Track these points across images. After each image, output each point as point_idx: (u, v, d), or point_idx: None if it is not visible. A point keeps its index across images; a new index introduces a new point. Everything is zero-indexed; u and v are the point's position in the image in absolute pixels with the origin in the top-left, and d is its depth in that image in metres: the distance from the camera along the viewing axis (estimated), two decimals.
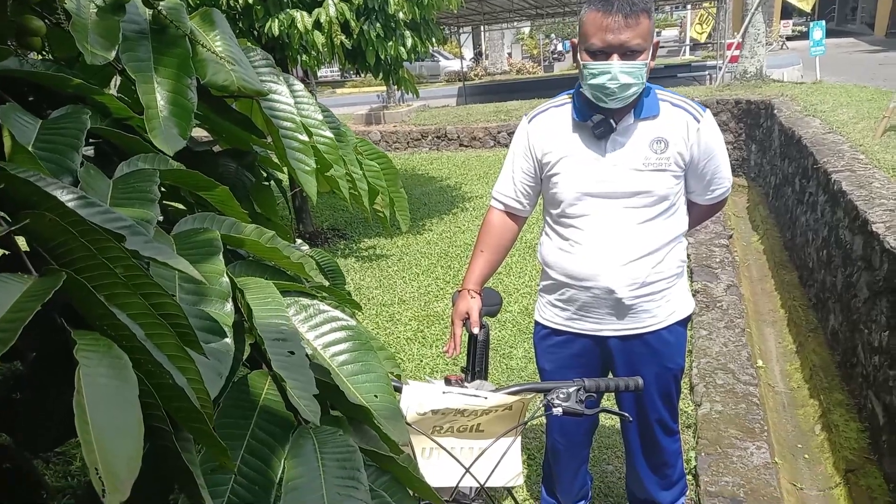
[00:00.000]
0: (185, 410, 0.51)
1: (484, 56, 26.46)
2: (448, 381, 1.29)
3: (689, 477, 2.33)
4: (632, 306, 1.70)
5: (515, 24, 20.63)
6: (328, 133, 1.29)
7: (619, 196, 1.65)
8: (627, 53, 1.53)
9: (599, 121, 1.62)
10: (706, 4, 23.00)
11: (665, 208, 1.68)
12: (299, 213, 6.00)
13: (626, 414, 1.35)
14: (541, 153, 1.73)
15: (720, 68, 12.34)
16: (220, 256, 0.77)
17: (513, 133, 8.93)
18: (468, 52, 28.32)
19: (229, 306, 0.71)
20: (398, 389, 1.20)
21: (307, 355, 0.80)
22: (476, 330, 1.75)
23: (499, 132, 10.36)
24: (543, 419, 2.15)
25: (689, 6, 23.43)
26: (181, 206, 1.12)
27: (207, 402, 0.56)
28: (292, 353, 0.75)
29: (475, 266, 1.83)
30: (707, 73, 15.36)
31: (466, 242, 5.58)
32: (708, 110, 1.70)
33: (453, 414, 1.18)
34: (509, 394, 1.22)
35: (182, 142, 0.98)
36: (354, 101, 16.57)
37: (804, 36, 25.82)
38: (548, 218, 1.80)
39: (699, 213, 1.87)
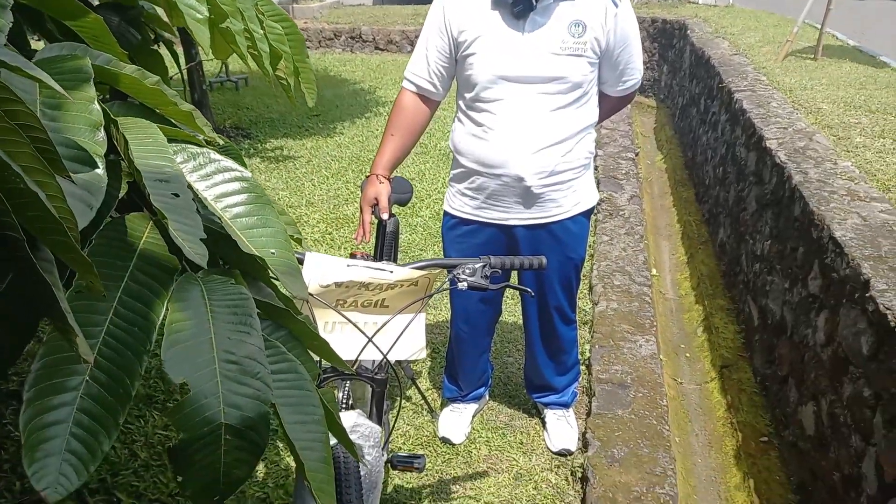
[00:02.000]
0: (41, 221, 0.45)
1: None
2: (353, 257, 1.25)
3: (582, 367, 2.48)
4: (539, 195, 1.72)
5: None
6: None
7: (535, 81, 1.62)
8: None
9: None
10: None
11: (578, 96, 1.67)
12: (199, 108, 5.60)
13: (528, 289, 1.38)
14: (457, 31, 1.66)
15: None
16: (91, 83, 0.68)
17: None
18: None
19: (101, 135, 0.63)
20: (300, 261, 1.16)
21: (195, 202, 0.73)
22: (385, 216, 1.71)
23: (416, 36, 10.00)
24: (446, 305, 2.17)
25: None
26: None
27: (71, 222, 0.50)
28: (176, 195, 0.68)
29: (385, 150, 1.77)
30: None
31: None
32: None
33: (357, 287, 1.16)
34: (415, 269, 1.20)
35: None
36: None
37: None
38: (461, 102, 1.76)
39: (609, 106, 1.88)
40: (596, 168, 4.55)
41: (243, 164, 1.66)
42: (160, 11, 1.48)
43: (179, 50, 5.34)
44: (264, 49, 1.25)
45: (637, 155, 6.42)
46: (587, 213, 1.84)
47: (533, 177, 1.68)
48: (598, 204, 4.07)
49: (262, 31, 1.25)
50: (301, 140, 5.68)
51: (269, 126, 6.11)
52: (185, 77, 5.58)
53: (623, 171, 4.39)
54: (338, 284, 1.14)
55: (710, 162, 5.07)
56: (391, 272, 1.16)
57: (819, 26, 5.71)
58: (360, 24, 10.41)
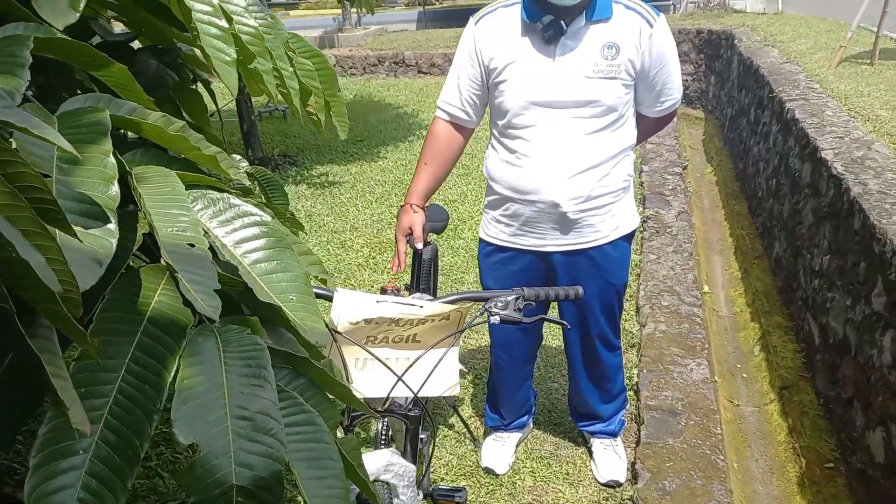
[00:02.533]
0: (35, 289, 0.44)
1: None
2: (384, 291, 1.24)
3: (630, 393, 2.39)
4: (576, 220, 1.68)
5: None
6: (252, 21, 1.18)
7: (568, 105, 1.59)
8: None
9: (549, 22, 1.54)
10: None
11: (613, 119, 1.63)
12: (248, 138, 5.76)
13: (565, 322, 1.34)
14: (487, 58, 1.65)
15: None
16: (108, 137, 0.68)
17: None
18: None
19: (114, 189, 0.63)
20: (328, 298, 1.15)
21: (212, 250, 0.73)
22: (420, 245, 1.70)
23: None
24: (486, 331, 2.12)
25: None
26: None
27: (73, 285, 0.49)
28: (191, 245, 0.68)
29: (419, 179, 1.76)
30: (671, 2, 15.14)
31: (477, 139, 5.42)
32: (662, 15, 1.63)
33: (388, 323, 1.14)
34: (447, 303, 1.18)
35: (73, 14, 0.87)
36: (309, 24, 15.84)
37: None
38: (494, 130, 1.74)
39: (647, 127, 1.83)
40: (641, 184, 4.45)
41: (283, 196, 1.67)
42: (198, 52, 1.51)
43: (221, 86, 5.47)
44: (293, 86, 1.26)
45: (685, 168, 6.27)
46: (628, 237, 1.79)
47: (569, 202, 1.64)
48: (644, 221, 3.98)
49: (291, 69, 1.26)
50: (346, 165, 5.76)
51: (315, 153, 6.23)
52: (236, 109, 5.75)
53: (670, 187, 4.28)
54: (367, 321, 1.12)
55: (763, 174, 4.90)
56: (421, 307, 1.14)
57: (875, 29, 5.48)
58: (403, 49, 10.55)
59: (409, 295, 1.75)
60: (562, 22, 1.54)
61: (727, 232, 5.22)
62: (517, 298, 1.20)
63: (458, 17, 16.20)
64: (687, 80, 8.87)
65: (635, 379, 2.48)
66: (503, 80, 1.63)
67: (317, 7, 21.97)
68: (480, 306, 1.22)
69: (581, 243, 1.71)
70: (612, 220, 1.72)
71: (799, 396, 3.11)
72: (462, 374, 1.80)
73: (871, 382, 2.41)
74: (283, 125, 7.38)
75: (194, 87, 1.73)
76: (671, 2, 15.28)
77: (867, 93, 4.42)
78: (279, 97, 1.29)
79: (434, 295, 2.12)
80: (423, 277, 1.76)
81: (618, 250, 1.76)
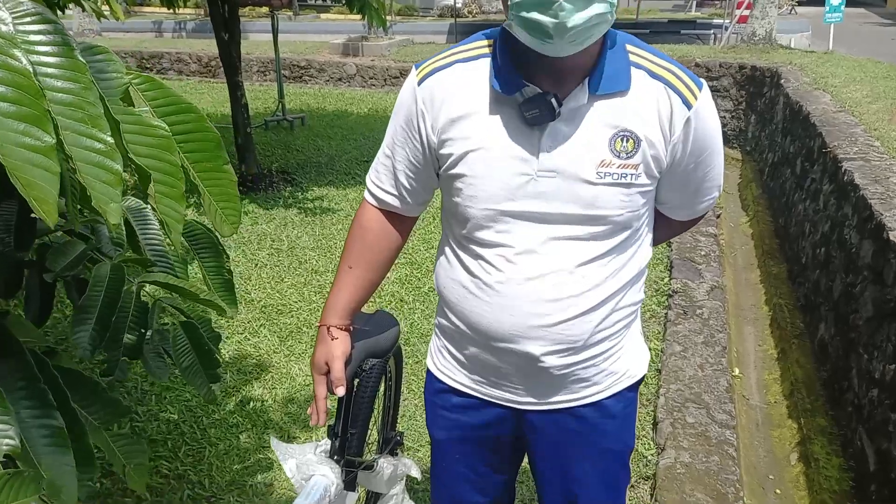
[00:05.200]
0: None
1: None
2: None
3: None
4: (564, 376, 1.14)
5: None
6: (21, 59, 0.68)
7: (558, 220, 1.05)
8: None
9: (533, 97, 1.00)
10: None
11: (624, 239, 1.09)
12: (242, 151, 5.31)
13: None
14: (436, 137, 1.10)
15: (727, 28, 11.56)
16: None
17: None
18: None
19: None
20: None
21: None
22: (341, 391, 1.18)
23: None
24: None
25: None
26: None
27: None
28: None
29: (340, 288, 1.22)
30: (712, 31, 14.53)
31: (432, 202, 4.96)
32: (705, 85, 1.08)
33: None
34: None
35: None
36: (337, 29, 15.46)
37: (812, 2, 24.79)
38: (448, 232, 1.20)
39: (670, 230, 1.30)
40: (669, 245, 3.89)
41: (217, 256, 1.31)
42: None
43: (220, 90, 5.15)
44: (108, 166, 0.74)
45: (719, 217, 5.69)
46: (634, 386, 1.24)
47: (552, 356, 1.11)
48: (670, 297, 3.39)
49: (106, 140, 0.74)
50: (345, 189, 5.28)
51: (315, 171, 5.76)
52: (231, 118, 5.31)
53: (703, 252, 3.72)
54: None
55: (808, 238, 4.32)
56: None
57: None
58: None
59: (337, 451, 1.24)
60: (552, 98, 1.00)
61: (762, 298, 4.64)
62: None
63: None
64: (725, 117, 8.28)
65: None
66: (460, 175, 1.08)
67: (347, 12, 21.60)
68: None
69: (569, 401, 1.18)
70: (615, 366, 1.18)
71: None
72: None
73: None
74: (289, 136, 6.94)
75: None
76: (711, 31, 14.66)
77: None
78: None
79: (393, 427, 1.60)
80: (357, 425, 1.24)
81: (622, 403, 1.21)
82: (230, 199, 1.06)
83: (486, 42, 1.10)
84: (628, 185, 1.04)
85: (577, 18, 0.90)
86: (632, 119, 1.03)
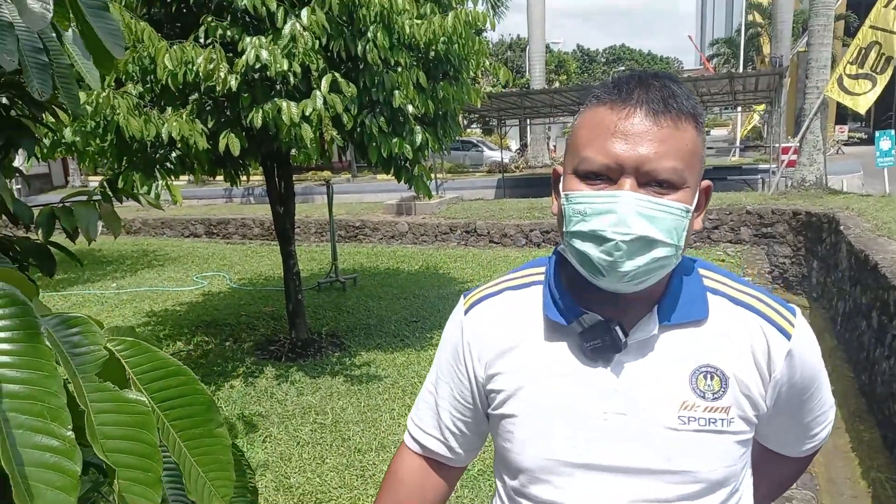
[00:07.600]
0: None
1: (527, 148, 26.33)
2: None
3: None
4: None
5: (560, 118, 20.45)
6: None
7: (629, 473, 0.87)
8: (652, 183, 0.81)
9: (594, 325, 0.87)
10: (757, 107, 22.53)
11: (716, 500, 0.89)
12: (292, 318, 5.35)
13: None
14: (484, 370, 0.96)
15: (774, 173, 11.59)
16: None
17: (547, 233, 8.15)
18: (515, 144, 28.32)
19: None
20: None
21: None
22: None
23: (531, 230, 9.73)
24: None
25: (739, 107, 23.00)
26: None
27: None
28: None
29: None
30: (759, 176, 14.61)
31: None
32: (798, 311, 0.92)
33: None
34: None
35: None
36: (394, 188, 16.29)
37: (861, 142, 24.91)
38: (500, 485, 1.02)
39: (783, 477, 1.09)
40: None
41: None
42: None
43: (274, 257, 5.30)
44: (41, 481, 0.63)
45: None
46: None
47: None
48: None
49: (63, 436, 0.64)
50: (392, 353, 5.18)
51: (364, 333, 5.72)
52: (283, 285, 5.41)
53: None
54: None
55: None
56: None
57: None
58: (476, 219, 10.37)
59: None
60: (617, 327, 0.86)
61: (857, 469, 4.12)
62: None
63: (537, 185, 16.25)
64: (785, 263, 8.02)
65: None
66: (510, 416, 0.93)
67: None
68: None
69: None
70: None
71: None
72: None
73: None
74: (341, 297, 7.03)
75: None
76: (759, 176, 14.75)
77: None
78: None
79: None
80: None
81: None
82: (223, 468, 0.93)
83: (537, 269, 0.99)
84: (719, 433, 0.86)
85: (632, 263, 0.80)
86: (715, 353, 0.87)
